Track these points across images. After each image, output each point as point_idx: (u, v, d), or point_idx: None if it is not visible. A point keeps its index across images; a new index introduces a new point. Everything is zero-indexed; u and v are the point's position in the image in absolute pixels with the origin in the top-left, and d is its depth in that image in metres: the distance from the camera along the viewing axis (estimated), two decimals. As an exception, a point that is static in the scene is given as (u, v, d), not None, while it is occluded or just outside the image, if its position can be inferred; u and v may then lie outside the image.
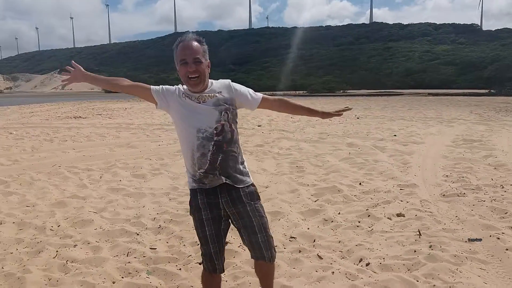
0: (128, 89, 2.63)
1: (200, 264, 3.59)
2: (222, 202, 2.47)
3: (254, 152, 9.13)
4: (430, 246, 3.89)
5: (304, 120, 16.20)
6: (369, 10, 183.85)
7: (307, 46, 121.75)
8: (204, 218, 2.49)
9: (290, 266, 3.62)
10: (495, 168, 7.07)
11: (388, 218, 4.76)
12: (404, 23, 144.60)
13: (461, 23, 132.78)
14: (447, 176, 6.63)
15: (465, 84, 63.20)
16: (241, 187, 2.48)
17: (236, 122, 2.53)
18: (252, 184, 2.57)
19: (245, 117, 17.15)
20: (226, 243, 3.56)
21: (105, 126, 15.11)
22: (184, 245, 4.14)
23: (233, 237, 3.98)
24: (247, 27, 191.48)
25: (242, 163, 2.55)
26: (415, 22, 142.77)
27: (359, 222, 4.67)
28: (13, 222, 4.76)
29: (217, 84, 2.53)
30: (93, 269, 3.59)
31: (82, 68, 2.69)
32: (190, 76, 2.39)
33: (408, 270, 3.49)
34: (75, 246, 4.11)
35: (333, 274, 3.42)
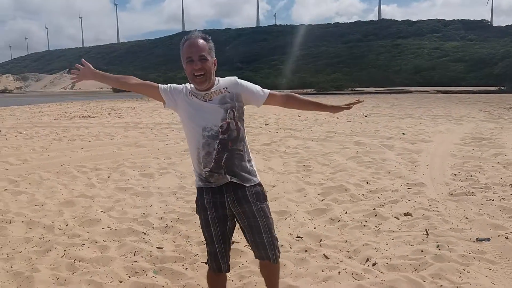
0: (136, 88, 2.64)
1: (206, 263, 3.60)
2: (228, 201, 2.47)
3: (261, 151, 9.13)
4: (438, 246, 3.86)
5: (311, 119, 16.17)
6: (378, 7, 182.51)
7: (315, 44, 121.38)
8: (210, 218, 2.49)
9: (296, 266, 3.61)
10: (504, 166, 7.00)
11: (395, 217, 4.73)
12: (413, 20, 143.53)
13: (471, 19, 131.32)
14: (455, 175, 6.58)
15: (474, 81, 62.49)
16: (247, 186, 2.48)
17: (243, 120, 2.52)
18: (259, 184, 2.55)
19: (252, 115, 17.15)
20: (232, 242, 3.57)
21: (114, 125, 15.20)
22: (190, 244, 4.16)
23: (239, 236, 3.98)
24: (254, 25, 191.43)
25: (249, 161, 2.54)
26: (424, 19, 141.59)
27: (366, 221, 4.65)
28: (22, 221, 4.81)
29: (224, 81, 2.53)
30: (101, 268, 3.62)
31: (91, 66, 2.71)
32: (196, 74, 2.39)
33: (415, 270, 3.47)
34: (82, 245, 4.15)
35: (339, 274, 3.41)
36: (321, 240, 4.17)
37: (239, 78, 2.62)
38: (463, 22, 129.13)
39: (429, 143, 9.65)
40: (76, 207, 5.40)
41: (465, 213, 4.78)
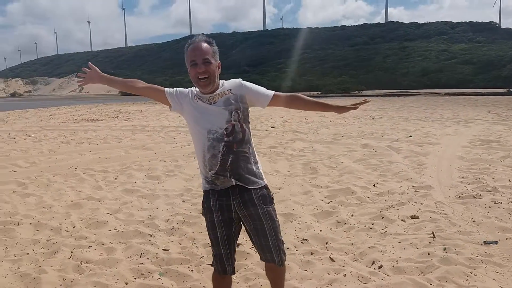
0: (142, 91, 2.67)
1: (211, 265, 3.61)
2: (234, 204, 2.46)
3: (267, 153, 9.13)
4: (445, 249, 3.84)
5: (318, 121, 16.15)
6: (385, 10, 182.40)
7: (322, 47, 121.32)
8: (216, 220, 2.49)
9: (301, 268, 3.61)
10: (513, 169, 6.93)
11: (402, 220, 4.71)
12: (420, 22, 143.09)
13: (479, 21, 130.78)
14: (463, 177, 6.53)
15: (483, 83, 62.13)
16: (253, 189, 2.47)
17: (248, 122, 2.52)
18: (265, 187, 2.55)
19: (258, 118, 17.17)
20: (238, 244, 3.58)
21: (121, 128, 15.29)
22: (196, 246, 4.16)
23: (245, 239, 3.98)
24: (261, 28, 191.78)
25: (255, 163, 2.53)
26: (431, 21, 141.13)
27: (372, 224, 4.63)
28: (30, 223, 4.85)
29: (228, 84, 2.54)
30: (107, 270, 3.64)
31: (98, 69, 2.74)
32: (200, 77, 2.40)
33: (422, 273, 3.44)
34: (89, 247, 4.17)
35: (345, 276, 3.40)
36: (327, 243, 4.16)
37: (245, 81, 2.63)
38: (471, 24, 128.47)
39: (437, 146, 9.60)
40: (83, 209, 5.44)
41: (472, 216, 4.74)
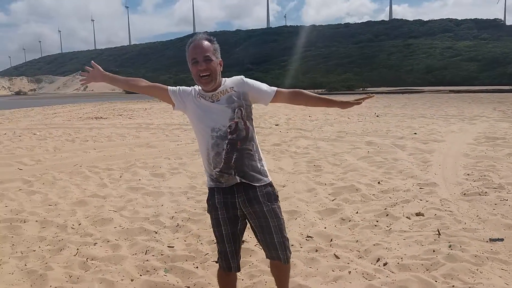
0: (145, 90, 2.67)
1: (216, 262, 3.62)
2: (239, 202, 2.47)
3: (271, 151, 9.13)
4: (450, 246, 3.83)
5: (322, 119, 16.13)
6: (389, 7, 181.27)
7: (326, 44, 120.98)
8: (221, 217, 2.50)
9: (306, 266, 3.61)
10: (518, 166, 6.90)
11: (407, 217, 4.70)
12: (425, 20, 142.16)
13: (484, 18, 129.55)
14: (468, 174, 6.51)
15: (488, 80, 61.68)
16: (258, 187, 2.47)
17: (252, 119, 2.53)
18: (270, 184, 2.55)
19: (262, 116, 17.16)
20: (243, 241, 3.58)
21: (126, 126, 15.33)
22: (201, 243, 4.18)
23: (249, 236, 3.97)
24: (265, 26, 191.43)
25: (260, 160, 2.53)
26: (435, 18, 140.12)
27: (377, 221, 4.63)
28: (36, 221, 4.88)
29: (230, 81, 2.54)
30: (112, 266, 3.66)
31: (101, 68, 2.74)
32: (201, 75, 2.40)
33: (427, 270, 3.44)
34: (95, 244, 4.19)
35: (349, 273, 3.40)
36: (331, 240, 4.17)
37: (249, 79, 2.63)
38: (476, 21, 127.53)
39: (442, 143, 9.56)
40: (89, 206, 5.46)
41: (478, 213, 4.73)
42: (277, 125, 14.45)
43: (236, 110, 2.43)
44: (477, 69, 71.39)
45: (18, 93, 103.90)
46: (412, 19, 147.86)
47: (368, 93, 2.77)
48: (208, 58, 2.40)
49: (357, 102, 2.63)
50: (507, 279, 3.23)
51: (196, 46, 2.42)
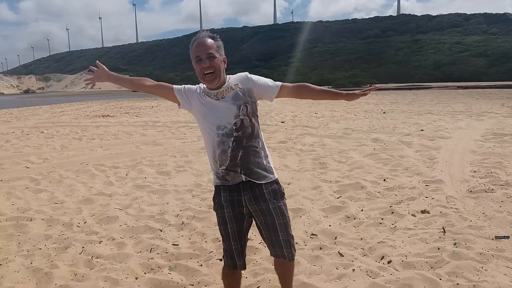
0: (151, 89, 2.67)
1: (221, 260, 3.63)
2: (245, 199, 2.47)
3: (277, 148, 9.12)
4: (455, 244, 3.80)
5: (328, 116, 16.08)
6: (397, 2, 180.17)
7: (333, 40, 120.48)
8: (227, 215, 2.50)
9: (310, 263, 3.61)
10: (526, 163, 6.82)
11: (412, 215, 4.68)
12: (433, 14, 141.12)
13: (493, 13, 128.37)
14: (475, 171, 6.46)
15: (497, 76, 61.12)
16: (264, 184, 2.47)
17: (257, 116, 2.52)
18: (276, 182, 2.54)
19: (268, 113, 17.14)
20: (247, 239, 3.58)
21: (132, 124, 15.40)
22: (206, 241, 4.19)
23: (254, 234, 3.98)
24: (271, 22, 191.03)
25: (266, 157, 2.53)
26: (444, 13, 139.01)
27: (382, 219, 4.61)
28: (42, 219, 4.92)
29: (234, 78, 2.53)
30: (117, 265, 3.68)
31: (106, 68, 2.74)
32: (205, 72, 2.40)
33: (431, 268, 3.42)
34: (100, 242, 4.22)
35: (353, 271, 3.39)
36: (336, 238, 4.16)
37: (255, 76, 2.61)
38: (485, 15, 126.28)
39: (448, 140, 9.49)
40: (95, 204, 5.50)
41: (484, 211, 4.69)
42: (283, 122, 14.43)
43: (242, 107, 2.43)
44: (486, 65, 70.74)
45: (26, 91, 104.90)
46: (420, 14, 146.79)
47: (375, 85, 2.70)
48: (212, 55, 2.39)
49: (363, 93, 2.59)
50: (513, 277, 3.20)
51: (199, 44, 2.42)
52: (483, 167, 6.69)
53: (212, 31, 2.55)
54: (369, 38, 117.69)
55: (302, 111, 18.23)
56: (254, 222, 2.61)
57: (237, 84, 2.48)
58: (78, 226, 4.68)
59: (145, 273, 3.54)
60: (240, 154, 2.41)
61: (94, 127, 14.65)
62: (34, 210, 5.24)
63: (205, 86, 2.50)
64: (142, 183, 6.50)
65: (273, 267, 2.95)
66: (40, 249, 4.06)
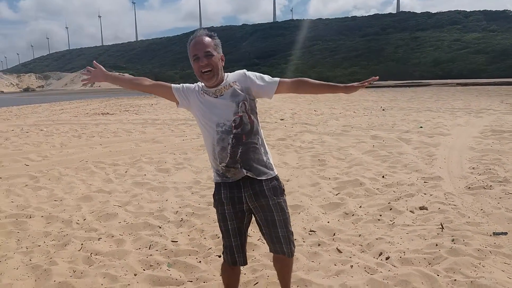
0: (149, 89, 2.66)
1: (219, 256, 3.65)
2: (245, 196, 2.48)
3: (276, 145, 9.13)
4: (453, 240, 3.82)
5: (327, 113, 16.08)
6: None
7: (333, 38, 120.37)
8: (227, 212, 2.51)
9: (308, 260, 3.62)
10: (525, 159, 6.83)
11: (410, 211, 4.69)
12: (433, 12, 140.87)
13: (493, 10, 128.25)
14: (473, 168, 6.46)
15: (497, 73, 61.01)
16: (264, 180, 2.48)
17: (256, 113, 2.52)
18: (276, 178, 2.55)
19: (268, 111, 17.14)
20: (247, 236, 3.59)
21: (132, 122, 15.40)
22: (204, 238, 4.20)
23: (252, 230, 3.99)
24: (271, 20, 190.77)
25: (265, 154, 2.53)
26: (444, 10, 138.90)
27: (380, 215, 4.62)
28: (42, 216, 4.93)
29: (232, 76, 2.53)
30: (116, 261, 3.70)
31: (103, 68, 2.74)
32: (203, 71, 2.40)
33: (429, 264, 3.43)
34: (99, 239, 4.23)
35: (352, 268, 3.40)
36: (334, 234, 4.17)
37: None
38: (485, 13, 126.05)
39: (447, 137, 9.50)
40: (94, 202, 5.51)
41: (482, 207, 4.70)
42: (282, 119, 14.44)
43: (240, 104, 2.43)
44: (486, 62, 70.66)
45: (26, 89, 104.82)
46: (420, 12, 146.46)
47: (373, 77, 2.71)
48: (209, 53, 2.40)
49: (362, 85, 2.58)
50: (510, 273, 3.21)
51: (197, 42, 2.42)
52: (481, 163, 6.70)
53: (212, 29, 2.55)
54: (369, 36, 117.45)
55: (301, 109, 18.24)
56: (253, 218, 2.61)
57: (235, 82, 2.48)
58: (77, 223, 4.69)
59: (144, 270, 3.55)
60: (240, 151, 2.42)
61: (93, 125, 14.65)
62: (34, 207, 5.25)
63: (203, 84, 2.51)
64: (142, 180, 6.50)
65: (272, 263, 2.96)
66: (39, 246, 4.08)
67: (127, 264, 3.62)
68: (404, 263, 3.46)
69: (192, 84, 2.60)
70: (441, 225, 4.15)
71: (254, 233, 4.02)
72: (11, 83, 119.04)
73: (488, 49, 77.45)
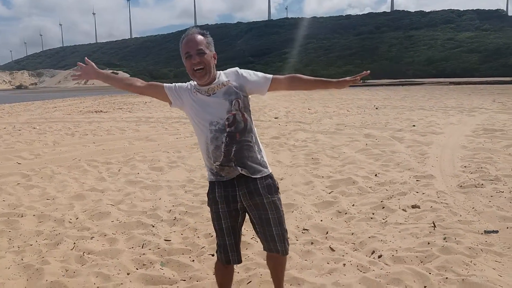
0: (141, 90, 2.64)
1: (213, 255, 3.65)
2: (240, 195, 2.48)
3: (269, 144, 9.13)
4: (445, 238, 3.84)
5: (321, 112, 16.11)
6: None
7: (327, 36, 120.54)
8: (221, 211, 2.51)
9: (301, 258, 3.63)
10: (516, 158, 6.89)
11: (403, 210, 4.71)
12: (426, 11, 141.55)
13: (486, 9, 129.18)
14: (465, 166, 6.51)
15: (489, 72, 61.45)
16: (258, 179, 2.48)
17: (249, 111, 2.52)
18: (270, 176, 2.56)
19: (262, 109, 17.14)
20: (241, 234, 3.60)
21: (125, 120, 15.34)
22: (198, 237, 4.20)
23: (246, 229, 3.97)
24: (266, 18, 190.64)
25: (259, 152, 2.53)
26: (437, 9, 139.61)
27: (373, 214, 4.64)
28: (34, 215, 4.90)
29: (225, 74, 2.53)
30: (109, 260, 3.68)
31: (94, 65, 2.71)
32: (195, 68, 2.40)
33: (421, 262, 3.45)
34: (92, 238, 4.21)
35: (344, 266, 3.42)
36: (327, 233, 4.18)
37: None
38: (478, 12, 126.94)
39: (440, 135, 9.56)
40: (87, 200, 5.49)
41: (473, 205, 4.73)
42: (277, 118, 14.45)
43: (234, 102, 2.43)
44: (479, 61, 71.13)
45: (19, 87, 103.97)
46: (414, 11, 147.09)
47: (368, 79, 2.67)
48: (202, 51, 2.39)
49: (354, 79, 2.58)
50: (501, 271, 3.24)
51: (189, 40, 2.42)
52: (473, 162, 6.74)
53: (207, 26, 2.56)
54: (363, 34, 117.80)
55: (295, 107, 18.26)
56: (247, 216, 2.62)
57: (228, 80, 2.48)
58: (69, 222, 4.67)
59: (137, 269, 3.54)
60: (233, 149, 2.42)
61: (87, 122, 14.58)
62: (26, 206, 5.22)
63: (196, 83, 2.51)
64: (135, 179, 6.48)
65: (265, 262, 2.96)
66: (31, 245, 4.05)
67: (120, 263, 3.60)
68: (397, 261, 3.48)
69: (184, 83, 2.60)
70: (433, 224, 4.18)
71: (247, 231, 4.02)
72: (4, 80, 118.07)
73: (481, 48, 77.98)
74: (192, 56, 2.39)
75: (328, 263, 3.51)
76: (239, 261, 2.65)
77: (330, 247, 3.82)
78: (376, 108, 17.02)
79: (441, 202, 4.84)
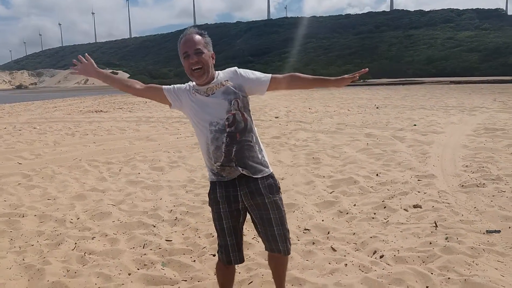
0: (140, 92, 2.63)
1: (214, 255, 3.64)
2: (241, 195, 2.47)
3: (270, 144, 9.13)
4: (446, 238, 3.84)
5: (322, 111, 16.10)
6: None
7: (326, 36, 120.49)
8: (222, 211, 2.50)
9: (303, 258, 3.62)
10: (517, 157, 6.88)
11: (404, 209, 4.71)
12: (426, 10, 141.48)
13: (485, 8, 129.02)
14: (466, 166, 6.50)
15: (489, 71, 61.37)
16: (259, 178, 2.47)
17: (249, 110, 2.51)
18: (271, 176, 2.55)
19: (262, 108, 17.12)
20: (243, 234, 3.59)
21: (126, 119, 15.33)
22: (199, 237, 4.19)
23: (247, 229, 3.98)
24: (265, 17, 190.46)
25: (260, 151, 2.53)
26: (437, 9, 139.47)
27: (374, 213, 4.63)
28: (35, 215, 4.90)
29: (224, 74, 2.52)
30: (110, 261, 3.68)
31: (94, 63, 2.70)
32: (193, 68, 2.39)
33: (423, 262, 3.45)
34: (93, 238, 4.21)
35: (346, 266, 3.41)
36: (328, 233, 4.18)
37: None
38: (477, 11, 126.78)
39: (441, 135, 9.55)
40: (87, 200, 5.48)
41: (475, 205, 4.73)
42: (277, 117, 14.44)
43: (233, 102, 2.42)
44: (478, 60, 71.04)
45: (19, 87, 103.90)
46: (413, 10, 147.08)
47: (368, 78, 2.66)
48: (200, 51, 2.39)
49: (353, 77, 2.57)
50: (503, 271, 3.24)
51: (187, 40, 2.41)
52: (475, 161, 6.74)
53: (206, 26, 2.55)
54: (363, 34, 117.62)
55: (296, 107, 18.25)
56: (248, 216, 2.61)
57: (227, 80, 2.47)
58: (71, 222, 4.67)
59: (138, 269, 3.54)
60: (234, 150, 2.41)
61: (87, 122, 14.57)
62: (27, 206, 5.21)
63: (194, 83, 2.50)
64: (136, 179, 6.48)
65: (266, 262, 2.96)
66: (32, 245, 4.05)
67: (121, 263, 3.60)
68: (398, 261, 3.47)
69: (183, 85, 2.59)
70: (435, 223, 4.17)
71: (248, 231, 4.02)
72: (3, 80, 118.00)
73: (480, 47, 77.89)
74: (190, 56, 2.38)
75: (329, 263, 3.51)
76: (241, 261, 2.64)
77: (331, 247, 3.81)
78: (377, 108, 17.01)
79: (443, 202, 4.84)
